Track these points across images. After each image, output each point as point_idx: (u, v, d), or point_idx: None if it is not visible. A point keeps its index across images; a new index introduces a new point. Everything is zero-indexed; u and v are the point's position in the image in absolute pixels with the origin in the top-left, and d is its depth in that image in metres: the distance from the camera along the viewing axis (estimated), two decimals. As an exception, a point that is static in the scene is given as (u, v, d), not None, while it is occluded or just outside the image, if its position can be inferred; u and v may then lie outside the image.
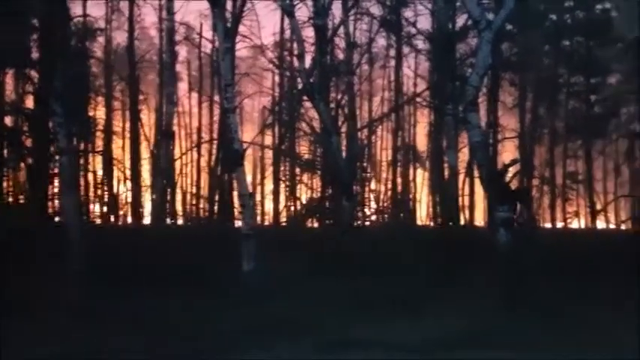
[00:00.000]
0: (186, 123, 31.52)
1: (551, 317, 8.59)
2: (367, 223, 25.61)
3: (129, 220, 25.90)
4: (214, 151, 25.62)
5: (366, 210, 26.65)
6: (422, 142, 30.40)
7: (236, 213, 21.05)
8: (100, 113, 26.02)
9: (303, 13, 27.22)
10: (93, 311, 9.03)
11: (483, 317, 8.58)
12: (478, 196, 24.78)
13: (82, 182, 24.12)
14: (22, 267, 10.71)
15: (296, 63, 19.79)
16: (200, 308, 9.41)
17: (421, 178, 30.95)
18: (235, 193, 18.24)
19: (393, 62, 27.47)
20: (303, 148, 26.59)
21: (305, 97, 20.22)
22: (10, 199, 19.15)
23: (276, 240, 15.57)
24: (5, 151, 17.93)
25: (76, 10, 21.68)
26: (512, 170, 12.46)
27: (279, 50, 25.03)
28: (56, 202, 18.34)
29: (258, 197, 29.24)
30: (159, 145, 23.52)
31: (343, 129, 21.46)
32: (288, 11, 16.28)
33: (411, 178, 29.46)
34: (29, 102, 18.63)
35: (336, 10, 20.00)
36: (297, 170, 26.31)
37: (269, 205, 29.13)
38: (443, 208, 22.49)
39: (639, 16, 18.38)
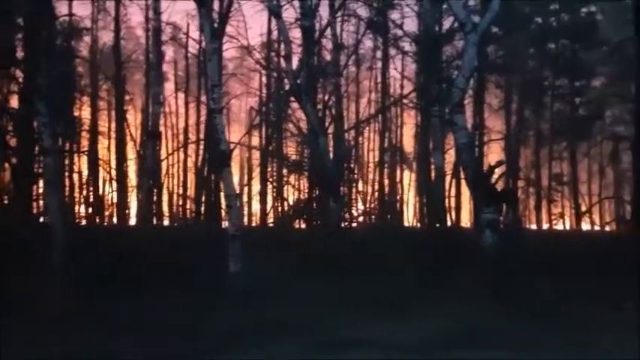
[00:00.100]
0: (173, 123, 31.43)
1: (538, 317, 8.65)
2: (354, 224, 25.64)
3: (114, 220, 25.73)
4: (201, 152, 25.54)
5: (354, 211, 26.69)
6: (409, 144, 30.57)
7: (223, 214, 20.99)
8: (85, 113, 25.82)
9: (290, 14, 27.33)
10: (77, 312, 8.96)
11: (471, 317, 8.62)
12: (464, 198, 24.95)
13: (67, 183, 23.93)
14: (5, 267, 10.59)
15: (283, 64, 19.78)
16: (186, 309, 9.37)
17: (408, 180, 31.10)
18: (222, 194, 18.20)
19: (379, 64, 27.61)
20: (291, 149, 26.58)
21: (292, 98, 20.23)
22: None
23: (263, 241, 15.54)
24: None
25: (62, 9, 21.56)
26: (497, 172, 12.56)
27: (267, 51, 25.00)
28: (41, 202, 18.20)
29: (245, 198, 29.23)
30: (145, 146, 23.40)
31: (330, 130, 21.47)
32: (275, 12, 16.26)
33: (398, 179, 29.56)
34: (14, 101, 18.47)
35: (323, 11, 20.09)
36: (285, 171, 26.29)
37: (256, 206, 29.11)
38: (430, 209, 22.57)
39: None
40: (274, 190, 26.60)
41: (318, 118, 17.85)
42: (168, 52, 29.25)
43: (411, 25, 24.56)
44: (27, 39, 15.63)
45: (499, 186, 13.64)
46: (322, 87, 22.40)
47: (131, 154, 26.94)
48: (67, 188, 23.92)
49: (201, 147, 25.55)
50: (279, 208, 26.47)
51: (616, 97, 25.75)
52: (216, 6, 20.70)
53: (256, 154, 27.96)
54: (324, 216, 18.66)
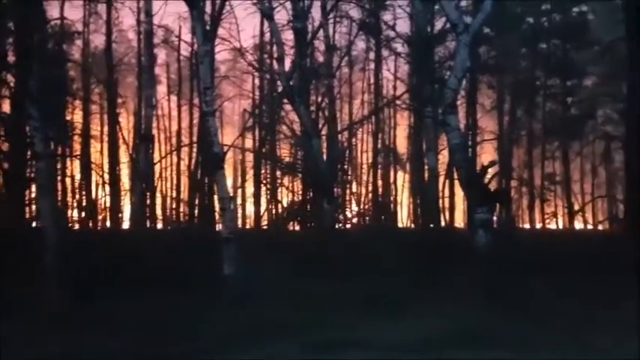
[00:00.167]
0: (166, 126, 31.34)
1: (531, 316, 8.68)
2: (348, 225, 25.66)
3: (107, 224, 25.63)
4: (194, 155, 25.48)
5: (347, 212, 26.72)
6: (402, 145, 30.60)
7: (217, 216, 20.95)
8: (77, 117, 25.66)
9: (282, 16, 27.32)
10: (71, 314, 8.94)
11: (465, 317, 8.63)
12: (458, 198, 25.01)
13: (59, 187, 23.82)
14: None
15: (276, 66, 19.78)
16: (180, 311, 9.35)
17: (402, 181, 31.11)
18: (216, 197, 18.16)
19: (372, 65, 27.64)
20: (284, 151, 26.58)
21: (285, 100, 20.25)
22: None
23: (257, 243, 15.52)
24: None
25: (53, 12, 21.49)
26: (490, 172, 12.59)
27: (259, 53, 24.98)
28: (33, 206, 18.10)
29: (239, 200, 29.17)
30: (138, 149, 23.32)
31: (324, 132, 21.47)
32: (267, 14, 16.27)
33: (391, 180, 29.58)
34: (5, 106, 18.37)
35: (316, 13, 20.05)
36: (278, 173, 26.28)
37: (250, 209, 29.07)
38: (423, 210, 22.61)
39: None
40: (268, 192, 26.57)
41: (311, 120, 17.85)
42: (161, 54, 29.23)
43: (404, 26, 24.74)
44: (18, 43, 15.57)
45: (492, 186, 13.68)
46: (315, 89, 22.42)
47: (124, 157, 26.85)
48: (60, 192, 23.80)
49: (194, 150, 25.50)
50: (273, 211, 26.44)
51: (607, 97, 25.89)
52: (208, 8, 20.72)
53: (250, 157, 27.92)
54: (318, 218, 18.67)
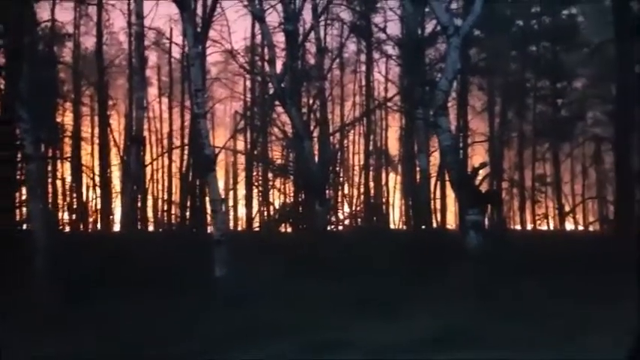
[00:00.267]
0: (157, 128, 31.23)
1: (523, 316, 8.72)
2: (340, 227, 25.68)
3: (98, 226, 25.53)
4: (186, 157, 25.43)
5: (340, 214, 26.74)
6: (393, 146, 30.66)
7: (208, 219, 20.92)
8: (68, 119, 25.61)
9: (273, 18, 27.21)
10: (62, 317, 8.91)
11: (457, 317, 8.66)
12: (450, 199, 25.09)
13: (50, 189, 23.70)
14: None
15: (267, 68, 19.80)
16: (170, 314, 9.34)
17: (393, 182, 31.17)
18: (207, 199, 18.14)
19: (363, 67, 27.70)
20: (276, 153, 26.58)
21: (277, 102, 20.27)
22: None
23: (249, 245, 15.50)
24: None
25: (44, 14, 21.39)
26: (482, 173, 12.67)
27: (250, 55, 24.99)
28: (24, 209, 17.99)
29: (230, 202, 29.12)
30: (129, 151, 23.25)
31: (315, 134, 21.51)
32: (258, 16, 16.29)
33: (383, 182, 29.63)
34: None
35: (307, 15, 20.11)
36: (270, 175, 26.27)
37: (242, 211, 29.03)
38: (415, 211, 22.67)
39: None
40: (260, 194, 26.56)
41: (302, 122, 17.88)
42: (152, 57, 29.14)
43: (394, 28, 24.83)
44: (8, 45, 15.48)
45: (483, 187, 13.76)
46: (306, 91, 22.45)
47: (115, 159, 26.76)
48: (50, 195, 23.69)
49: (186, 152, 25.45)
50: (265, 213, 26.43)
51: (597, 99, 26.06)
52: (199, 10, 20.73)
53: (241, 159, 27.92)
54: (310, 219, 18.68)
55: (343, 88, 29.09)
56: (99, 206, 26.01)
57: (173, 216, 27.36)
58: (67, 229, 24.02)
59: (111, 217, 25.40)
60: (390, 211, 30.84)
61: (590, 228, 29.98)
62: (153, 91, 30.47)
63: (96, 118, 27.07)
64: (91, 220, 26.69)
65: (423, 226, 19.80)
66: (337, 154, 25.98)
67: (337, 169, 26.30)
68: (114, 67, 26.97)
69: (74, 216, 25.25)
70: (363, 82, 27.78)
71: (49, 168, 23.85)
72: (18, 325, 8.20)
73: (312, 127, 21.04)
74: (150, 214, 28.45)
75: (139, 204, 22.26)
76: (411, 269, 12.60)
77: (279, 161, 26.03)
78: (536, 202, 27.72)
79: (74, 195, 25.44)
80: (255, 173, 26.56)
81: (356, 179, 30.06)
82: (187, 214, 24.33)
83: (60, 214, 24.90)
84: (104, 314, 9.22)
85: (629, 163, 19.40)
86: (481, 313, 8.98)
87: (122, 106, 29.26)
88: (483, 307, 9.29)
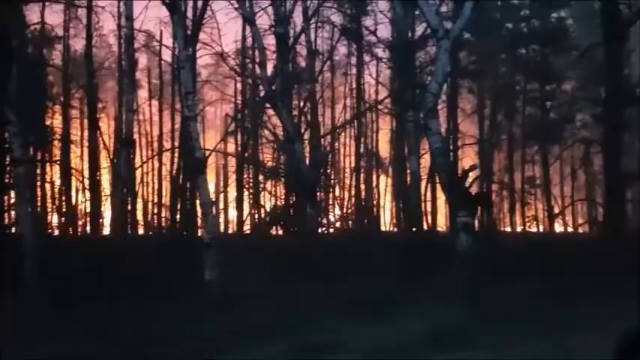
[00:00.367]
0: (147, 131, 31.13)
1: (513, 317, 8.75)
2: (331, 229, 25.69)
3: (88, 230, 25.40)
4: (176, 160, 25.36)
5: (331, 217, 26.75)
6: (384, 149, 30.73)
7: (199, 221, 20.88)
8: (57, 122, 25.49)
9: (264, 20, 27.27)
10: (51, 320, 8.86)
11: (448, 319, 8.68)
12: (440, 202, 25.14)
13: (39, 192, 23.57)
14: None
15: (258, 70, 19.78)
16: (160, 317, 9.31)
17: (384, 184, 31.21)
18: (198, 202, 18.10)
19: (354, 70, 27.76)
20: (267, 156, 26.57)
21: (267, 105, 20.25)
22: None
23: (239, 248, 15.46)
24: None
25: (33, 17, 21.31)
26: (472, 175, 12.72)
27: (241, 58, 24.97)
28: (12, 213, 17.87)
29: (221, 205, 29.07)
30: (118, 154, 23.17)
31: (306, 136, 21.51)
32: (249, 19, 16.29)
33: (374, 184, 29.67)
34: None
35: (297, 18, 20.11)
36: (261, 178, 26.24)
37: (233, 213, 28.98)
38: (406, 213, 22.72)
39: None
40: (251, 196, 26.52)
41: (293, 125, 17.89)
42: (142, 59, 29.07)
43: (385, 31, 24.96)
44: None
45: (473, 190, 13.79)
46: (297, 93, 22.46)
47: (104, 162, 26.64)
48: (39, 198, 23.55)
49: (176, 154, 25.39)
50: (256, 215, 26.39)
51: (586, 101, 26.23)
52: (189, 13, 20.70)
53: (232, 161, 27.87)
54: (301, 222, 18.67)
55: (334, 90, 29.15)
56: (88, 209, 25.89)
57: (163, 219, 27.28)
58: (57, 232, 23.88)
59: (101, 220, 25.28)
60: (381, 213, 30.91)
61: (580, 230, 30.14)
62: (143, 93, 30.40)
63: (85, 121, 26.94)
64: (80, 223, 26.57)
65: (414, 228, 19.84)
66: (328, 157, 25.99)
67: (328, 171, 26.32)
68: (103, 69, 26.89)
69: (63, 219, 25.11)
70: (354, 85, 27.85)
71: (38, 171, 23.71)
72: (7, 329, 8.13)
73: (302, 130, 21.05)
74: (140, 217, 28.34)
75: (129, 207, 22.17)
76: (402, 271, 12.61)
77: (270, 164, 26.01)
78: (526, 204, 27.85)
79: (63, 198, 25.30)
80: (245, 176, 26.53)
81: (347, 182, 30.12)
82: (177, 217, 24.27)
83: (49, 217, 24.76)
84: (94, 317, 9.17)
85: (617, 165, 19.53)
86: (472, 314, 9.01)
87: (112, 109, 29.18)
88: (474, 309, 9.32)
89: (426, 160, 22.34)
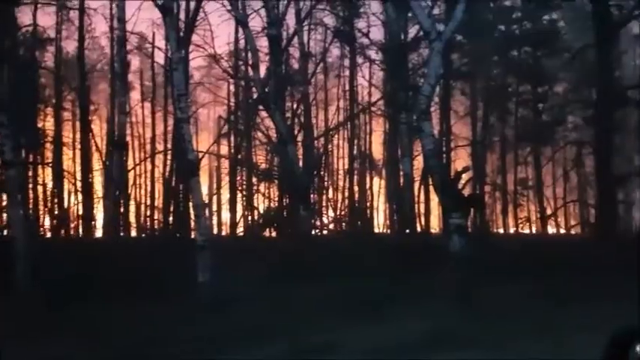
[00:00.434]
0: (140, 133, 31.02)
1: (505, 318, 8.78)
2: (325, 231, 25.68)
3: (80, 233, 25.28)
4: (169, 162, 25.29)
5: (324, 218, 26.75)
6: (377, 151, 30.71)
7: (192, 224, 20.82)
8: (49, 124, 25.36)
9: (257, 23, 27.27)
10: (43, 323, 8.82)
11: (441, 320, 8.70)
12: (433, 203, 25.16)
13: (30, 195, 23.44)
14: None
15: (251, 72, 19.78)
16: (153, 319, 9.29)
17: (377, 186, 31.22)
18: (191, 204, 18.05)
19: (347, 72, 27.75)
20: (260, 158, 26.53)
21: (260, 107, 20.25)
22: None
23: (233, 250, 15.44)
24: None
25: (25, 19, 21.22)
26: (464, 177, 12.75)
27: (234, 60, 24.94)
28: (4, 215, 17.80)
29: (214, 207, 28.99)
30: (111, 156, 23.09)
31: (299, 138, 21.51)
32: (241, 21, 16.28)
33: (367, 186, 29.68)
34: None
35: (290, 20, 20.14)
36: (254, 180, 26.21)
37: (226, 215, 28.91)
38: (399, 215, 22.75)
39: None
40: (244, 198, 26.48)
41: (286, 127, 17.88)
42: (134, 61, 28.94)
43: (377, 33, 25.00)
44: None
45: (466, 191, 13.85)
46: (290, 95, 22.46)
47: (97, 165, 26.52)
48: (31, 201, 23.42)
49: (169, 157, 25.31)
50: (249, 217, 26.35)
51: (578, 103, 26.37)
52: (182, 15, 20.68)
53: (225, 163, 27.80)
54: (295, 224, 18.67)
55: (327, 92, 29.14)
56: (81, 212, 25.76)
57: (156, 221, 27.19)
58: (49, 235, 23.76)
59: (93, 222, 25.17)
60: (375, 215, 30.91)
61: (572, 231, 30.26)
62: (135, 95, 30.27)
63: (77, 123, 26.80)
64: (72, 226, 26.43)
65: (407, 230, 19.88)
66: (321, 159, 26.00)
67: (321, 173, 26.32)
68: (96, 71, 26.78)
69: (56, 222, 24.98)
70: (347, 87, 27.84)
71: (30, 174, 23.58)
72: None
73: (296, 132, 21.05)
74: (132, 219, 28.23)
75: (122, 209, 22.09)
76: (396, 273, 12.63)
77: (263, 166, 25.99)
78: (519, 205, 27.93)
79: (55, 201, 25.17)
80: (239, 178, 26.48)
81: (340, 183, 30.09)
82: (170, 219, 24.19)
83: (41, 220, 24.63)
84: (86, 320, 9.15)
85: (609, 166, 19.65)
86: (465, 315, 9.04)
87: (104, 111, 29.03)
88: (467, 310, 9.34)
89: (419, 162, 22.37)
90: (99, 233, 23.95)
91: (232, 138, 26.95)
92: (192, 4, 20.73)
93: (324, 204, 27.36)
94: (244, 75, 23.93)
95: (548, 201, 29.11)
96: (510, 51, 26.05)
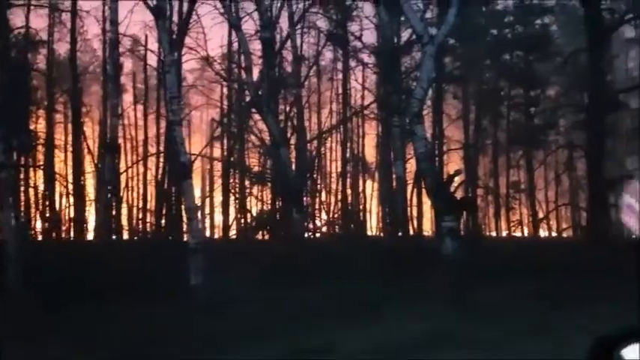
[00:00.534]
0: (132, 135, 30.93)
1: (497, 319, 8.81)
2: (318, 234, 25.69)
3: (72, 235, 25.16)
4: (161, 164, 25.24)
5: (317, 221, 26.76)
6: (370, 154, 30.74)
7: (184, 226, 20.77)
8: (41, 126, 25.26)
9: (250, 26, 27.20)
10: (34, 327, 8.78)
11: (434, 322, 8.72)
12: (426, 206, 25.22)
13: (22, 198, 23.33)
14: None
15: (244, 75, 19.78)
16: (145, 322, 9.26)
17: (370, 189, 31.26)
18: (183, 206, 18.01)
19: (340, 75, 27.81)
20: (253, 161, 26.52)
21: (253, 110, 20.24)
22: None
23: (225, 253, 15.42)
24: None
25: (17, 21, 21.13)
26: (457, 180, 12.80)
27: (227, 62, 24.93)
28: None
29: (207, 210, 28.94)
30: (103, 159, 23.00)
31: (292, 141, 21.51)
32: (234, 25, 16.28)
33: (360, 189, 29.71)
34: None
35: (283, 23, 20.15)
36: (247, 182, 26.19)
37: (219, 218, 28.86)
38: (392, 218, 22.77)
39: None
40: (237, 201, 26.45)
41: (279, 129, 17.88)
42: (127, 63, 28.84)
43: (370, 37, 25.09)
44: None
45: (458, 194, 13.89)
46: (283, 98, 22.45)
47: (89, 167, 26.43)
48: (23, 203, 23.30)
49: (162, 159, 25.25)
50: (242, 220, 26.31)
51: (570, 107, 26.49)
52: (175, 17, 20.65)
53: (218, 166, 27.77)
54: (288, 227, 18.66)
55: (320, 95, 29.15)
56: (72, 215, 25.65)
57: (148, 224, 27.10)
58: (40, 237, 23.65)
59: (85, 225, 25.06)
60: (367, 217, 30.95)
61: (564, 234, 30.39)
62: (128, 98, 30.17)
63: (70, 126, 26.70)
64: (64, 228, 26.30)
65: (400, 233, 19.90)
66: (314, 162, 26.02)
67: (314, 176, 26.33)
68: (88, 74, 26.70)
69: (47, 225, 24.86)
70: (340, 90, 27.90)
71: (22, 176, 23.47)
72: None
73: (289, 135, 21.05)
74: (125, 222, 28.12)
75: (114, 212, 22.02)
76: (388, 275, 12.65)
77: (256, 169, 25.98)
78: (511, 208, 28.04)
79: (47, 203, 25.05)
80: (231, 180, 26.45)
81: (333, 186, 30.13)
82: (163, 222, 24.13)
83: (33, 222, 24.51)
84: (79, 323, 9.11)
85: (601, 170, 19.75)
86: (457, 317, 9.06)
87: (96, 114, 28.92)
88: (459, 312, 9.37)
89: (411, 165, 22.37)
90: (91, 236, 23.86)
91: (225, 141, 26.93)
92: (185, 7, 20.73)
93: (316, 207, 27.38)
94: (237, 78, 23.92)
95: (540, 204, 29.22)
96: (502, 55, 26.15)
